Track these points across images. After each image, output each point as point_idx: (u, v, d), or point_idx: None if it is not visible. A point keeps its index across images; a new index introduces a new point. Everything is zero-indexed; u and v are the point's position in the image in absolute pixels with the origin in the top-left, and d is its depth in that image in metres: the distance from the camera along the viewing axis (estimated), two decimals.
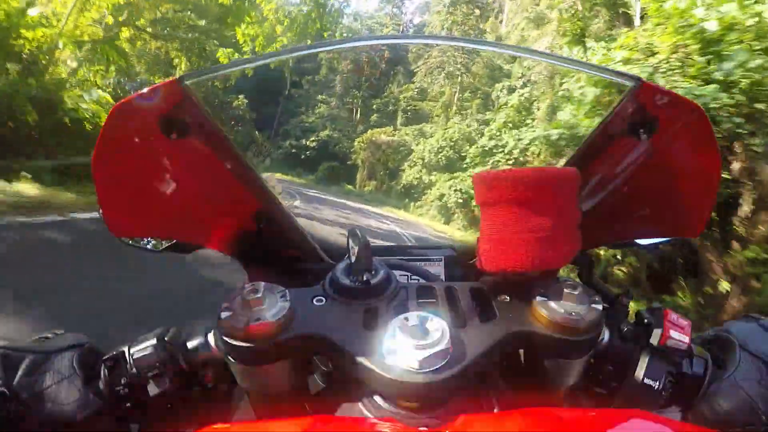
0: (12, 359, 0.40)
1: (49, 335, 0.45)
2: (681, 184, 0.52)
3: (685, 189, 0.52)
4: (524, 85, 19.90)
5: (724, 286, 3.47)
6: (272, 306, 0.40)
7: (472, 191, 0.46)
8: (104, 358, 0.43)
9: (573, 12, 9.34)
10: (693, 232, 0.54)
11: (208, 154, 0.53)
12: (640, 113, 0.49)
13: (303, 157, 29.12)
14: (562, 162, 0.57)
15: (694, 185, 0.51)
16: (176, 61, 11.86)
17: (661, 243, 0.63)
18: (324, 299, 0.44)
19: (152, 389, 0.42)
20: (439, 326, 0.38)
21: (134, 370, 0.42)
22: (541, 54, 0.60)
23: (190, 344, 0.45)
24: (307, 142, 29.67)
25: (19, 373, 0.39)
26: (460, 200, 18.49)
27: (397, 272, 0.57)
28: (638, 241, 0.67)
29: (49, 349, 0.42)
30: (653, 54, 3.84)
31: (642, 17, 6.47)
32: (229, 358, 0.42)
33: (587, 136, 0.55)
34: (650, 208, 0.57)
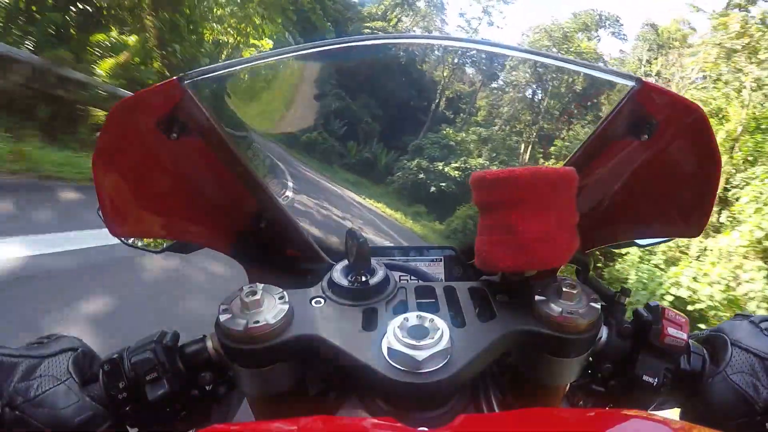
0: (5, 365, 0.39)
1: (43, 339, 0.44)
2: (681, 185, 0.52)
3: (685, 189, 0.52)
4: None
5: None
6: (271, 308, 0.40)
7: None
8: (102, 361, 0.43)
9: None
10: (693, 232, 0.54)
11: (208, 154, 0.53)
12: (640, 113, 0.49)
13: (433, 189, 18.13)
14: (561, 163, 0.57)
15: (694, 185, 0.51)
16: None
17: (661, 243, 0.64)
18: (322, 300, 0.44)
19: (150, 393, 0.41)
20: (438, 326, 0.38)
21: (132, 373, 0.41)
22: (540, 54, 0.60)
23: (189, 347, 0.44)
24: (447, 168, 18.59)
25: (14, 378, 0.38)
26: None
27: (396, 273, 0.57)
28: (638, 241, 0.67)
29: (43, 354, 0.41)
30: None
31: None
32: (228, 360, 0.42)
33: (587, 137, 0.55)
34: (650, 209, 0.57)
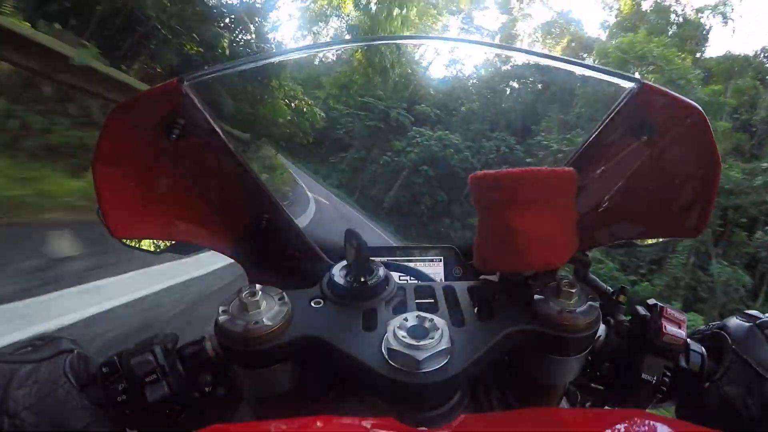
0: (3, 372, 0.38)
1: (36, 342, 0.43)
2: (681, 185, 0.52)
3: (685, 190, 0.52)
4: None
5: None
6: (270, 309, 0.40)
7: None
8: (100, 363, 0.42)
9: None
10: (693, 233, 0.54)
11: (208, 155, 0.54)
12: (639, 114, 0.49)
13: None
14: (561, 163, 0.57)
15: (694, 186, 0.51)
16: None
17: (661, 243, 0.63)
18: (322, 301, 0.44)
19: (150, 394, 0.41)
20: (438, 326, 0.38)
21: (131, 375, 0.41)
22: (539, 55, 0.60)
23: (188, 348, 0.44)
24: None
25: (10, 386, 0.38)
26: None
27: (395, 273, 0.58)
28: (637, 241, 0.67)
29: (38, 358, 0.40)
30: None
31: None
32: (228, 361, 0.42)
33: (587, 137, 0.55)
34: (650, 209, 0.57)
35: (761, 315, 0.48)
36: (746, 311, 0.50)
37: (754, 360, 0.44)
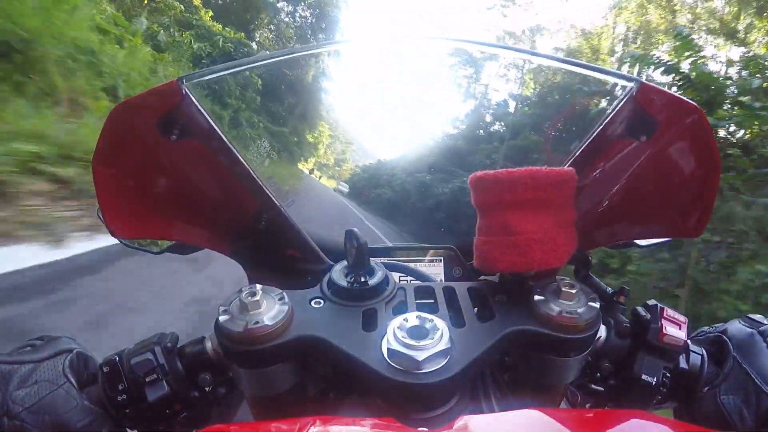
0: (2, 372, 0.38)
1: (35, 342, 0.43)
2: (681, 185, 0.52)
3: (685, 189, 0.52)
4: None
5: None
6: (270, 309, 0.40)
7: None
8: (100, 363, 0.42)
9: None
10: (693, 233, 0.54)
11: (207, 155, 0.54)
12: (639, 114, 0.49)
13: None
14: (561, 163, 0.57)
15: (693, 186, 0.51)
16: None
17: (661, 244, 0.63)
18: (322, 301, 0.44)
19: (150, 394, 0.41)
20: (438, 326, 0.38)
21: (131, 375, 0.41)
22: (540, 55, 0.60)
23: (188, 348, 0.44)
24: None
25: (12, 386, 0.38)
26: None
27: (395, 273, 0.58)
28: (637, 241, 0.67)
29: (38, 358, 0.40)
30: None
31: None
32: (228, 361, 0.42)
33: (586, 137, 0.55)
34: (650, 209, 0.57)
35: (764, 321, 0.48)
36: (749, 315, 0.49)
37: (753, 370, 0.43)
